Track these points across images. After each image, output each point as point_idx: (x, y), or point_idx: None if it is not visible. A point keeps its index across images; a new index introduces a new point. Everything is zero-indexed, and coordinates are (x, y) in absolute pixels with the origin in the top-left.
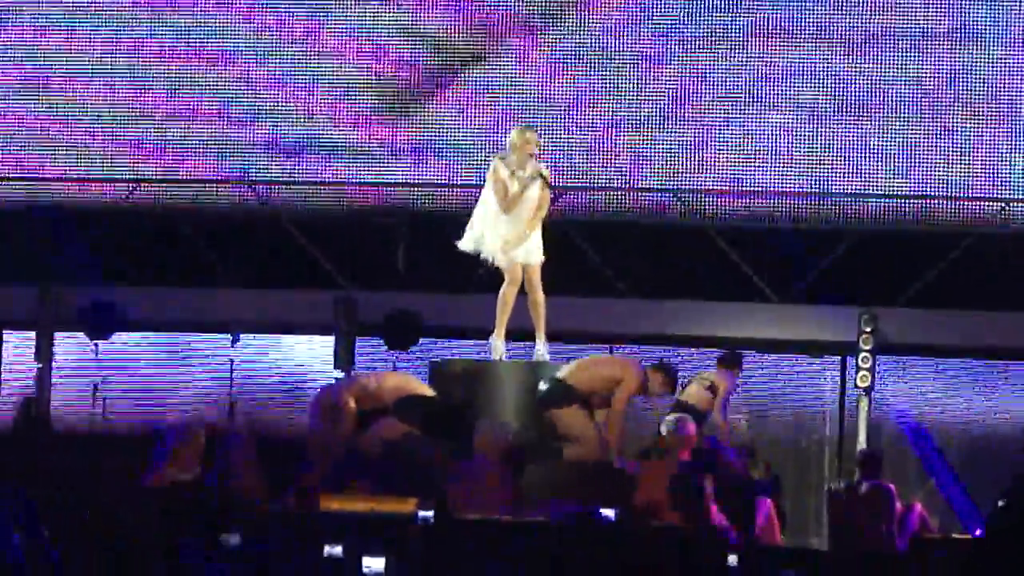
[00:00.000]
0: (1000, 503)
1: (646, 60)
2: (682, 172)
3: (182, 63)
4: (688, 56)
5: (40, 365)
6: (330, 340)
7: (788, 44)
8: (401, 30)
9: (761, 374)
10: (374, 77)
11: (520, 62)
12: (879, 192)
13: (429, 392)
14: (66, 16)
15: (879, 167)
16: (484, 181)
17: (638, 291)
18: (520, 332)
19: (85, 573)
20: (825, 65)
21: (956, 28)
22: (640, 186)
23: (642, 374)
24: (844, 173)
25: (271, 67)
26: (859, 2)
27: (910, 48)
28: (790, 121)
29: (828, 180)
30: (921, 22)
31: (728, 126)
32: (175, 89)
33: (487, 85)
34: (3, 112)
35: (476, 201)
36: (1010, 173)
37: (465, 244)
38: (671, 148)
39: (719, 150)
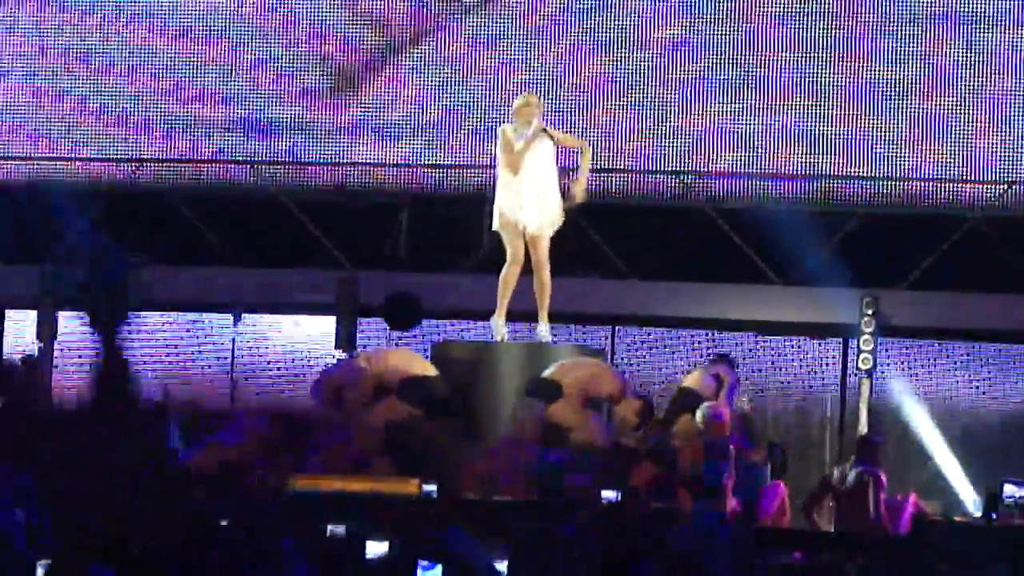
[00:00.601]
0: None
1: (647, 40)
2: (685, 153)
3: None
4: (688, 35)
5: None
6: (331, 320)
7: (786, 22)
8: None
9: (763, 356)
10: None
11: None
12: (881, 175)
13: (432, 371)
14: None
15: (882, 149)
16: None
17: (639, 272)
18: (522, 313)
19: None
20: (826, 45)
21: (959, 10)
22: (642, 168)
23: (621, 381)
24: (846, 155)
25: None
26: None
27: (912, 28)
28: (794, 103)
29: (831, 162)
30: (921, 1)
31: (731, 107)
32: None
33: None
34: (4, 90)
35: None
36: (1013, 155)
37: (495, 223)
38: (674, 129)
39: (722, 131)
